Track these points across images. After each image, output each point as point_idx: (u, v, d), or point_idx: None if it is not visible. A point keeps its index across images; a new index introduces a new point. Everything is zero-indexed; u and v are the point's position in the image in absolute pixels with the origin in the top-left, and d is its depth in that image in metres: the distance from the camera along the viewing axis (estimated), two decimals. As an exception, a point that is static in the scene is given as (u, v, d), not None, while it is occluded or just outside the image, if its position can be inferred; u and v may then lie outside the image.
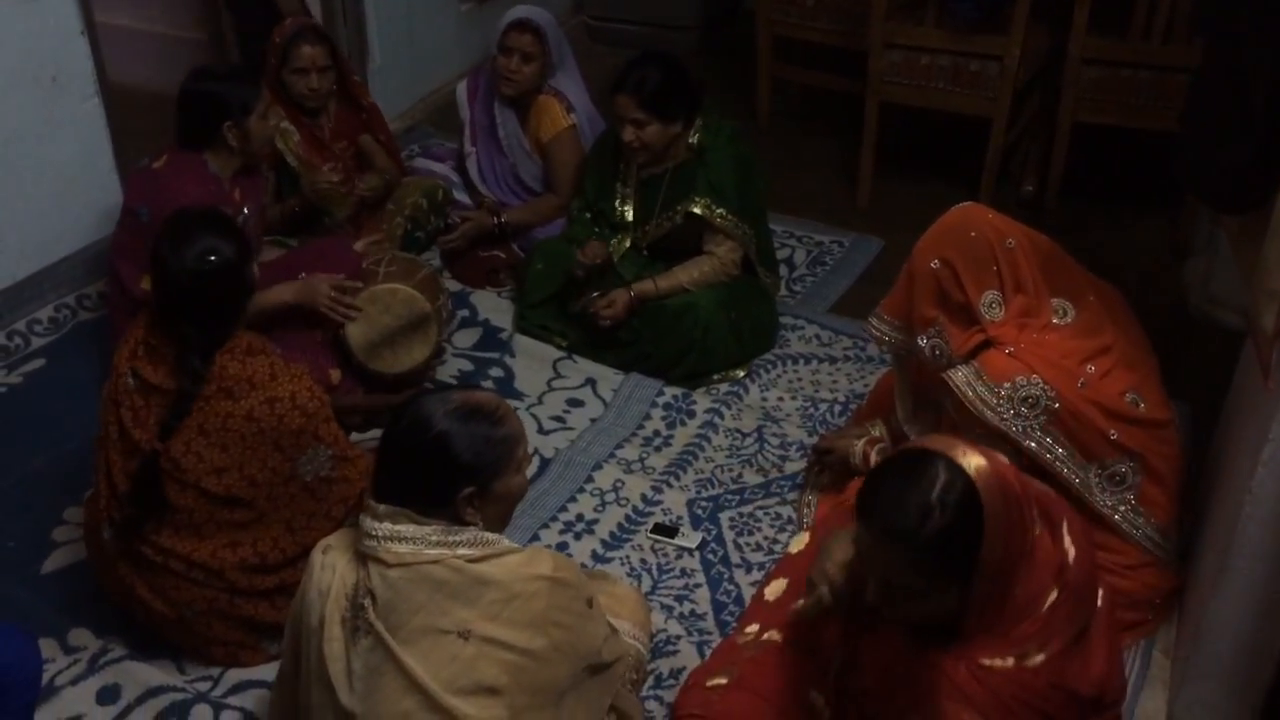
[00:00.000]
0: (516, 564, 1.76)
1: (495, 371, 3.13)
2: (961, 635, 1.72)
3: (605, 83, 3.13)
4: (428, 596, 1.71)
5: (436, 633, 1.71)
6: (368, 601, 1.73)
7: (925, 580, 1.66)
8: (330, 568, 1.78)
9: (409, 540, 1.73)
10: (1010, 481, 1.67)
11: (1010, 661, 1.69)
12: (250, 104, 2.79)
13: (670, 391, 3.06)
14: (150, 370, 2.15)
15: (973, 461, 1.65)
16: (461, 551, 1.73)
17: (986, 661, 1.69)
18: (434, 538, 1.73)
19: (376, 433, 2.79)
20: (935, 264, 2.28)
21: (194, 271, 2.11)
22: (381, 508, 1.74)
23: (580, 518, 2.68)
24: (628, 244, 3.20)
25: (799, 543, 2.35)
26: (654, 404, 3.03)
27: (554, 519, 2.67)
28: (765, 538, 2.62)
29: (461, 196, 3.61)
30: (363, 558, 1.76)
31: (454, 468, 1.75)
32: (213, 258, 2.11)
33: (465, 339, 3.24)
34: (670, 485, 2.77)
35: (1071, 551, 1.74)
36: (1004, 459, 1.73)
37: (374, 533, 1.74)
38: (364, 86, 3.49)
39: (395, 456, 1.78)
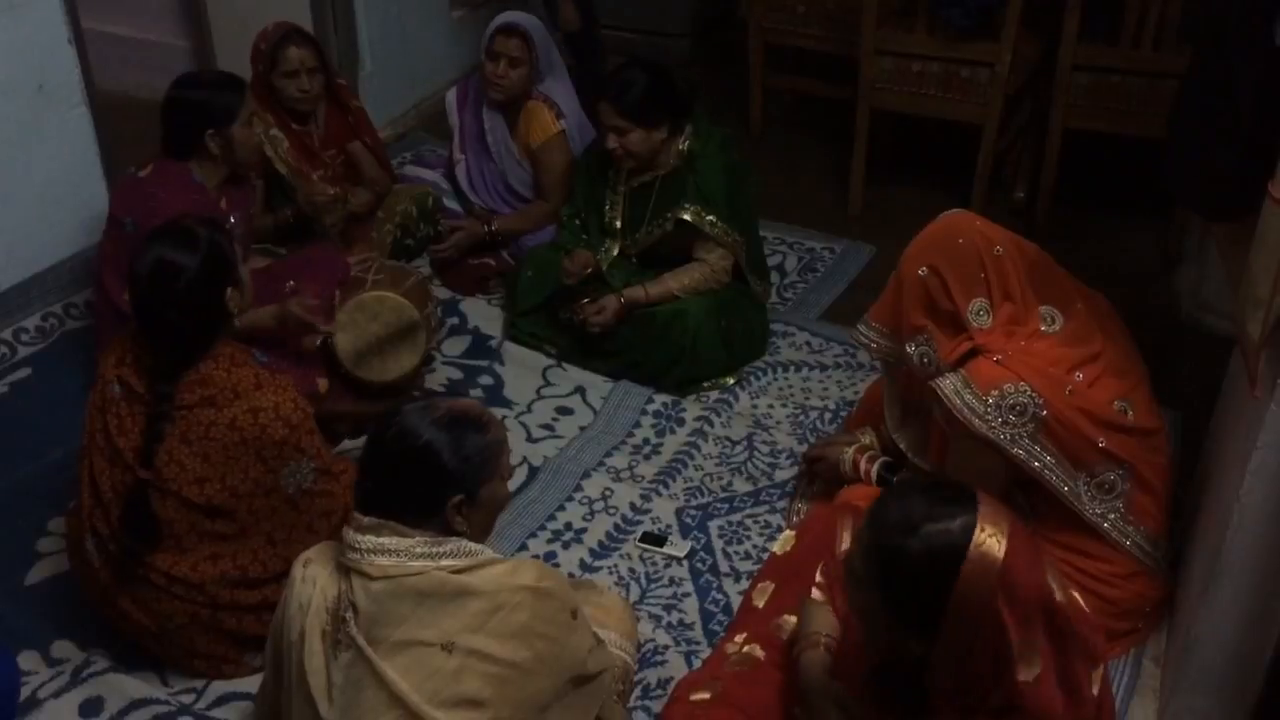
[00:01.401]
0: (500, 574, 1.74)
1: (484, 379, 3.12)
2: (928, 709, 1.66)
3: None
4: (411, 609, 1.70)
5: (419, 645, 1.69)
6: (350, 615, 1.71)
7: (870, 578, 1.63)
8: (310, 581, 1.77)
9: (393, 553, 1.71)
10: (1008, 595, 1.55)
11: None
12: (233, 112, 2.77)
13: (660, 399, 3.05)
14: (135, 380, 2.14)
15: (988, 543, 1.54)
16: (445, 562, 1.72)
17: None
18: (418, 550, 1.72)
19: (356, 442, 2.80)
20: (923, 271, 2.27)
21: (148, 291, 2.08)
22: (366, 520, 1.73)
23: (569, 526, 2.67)
24: (616, 251, 3.19)
25: (783, 543, 2.34)
26: (643, 412, 3.01)
27: (542, 528, 2.66)
28: (754, 546, 2.60)
29: (451, 204, 3.60)
30: (345, 570, 1.74)
31: (443, 475, 1.74)
32: (168, 280, 2.08)
33: (454, 347, 3.23)
34: (659, 494, 2.76)
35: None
36: (1045, 577, 1.61)
37: (357, 545, 1.72)
38: (349, 89, 3.48)
39: (382, 467, 1.77)
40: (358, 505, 1.76)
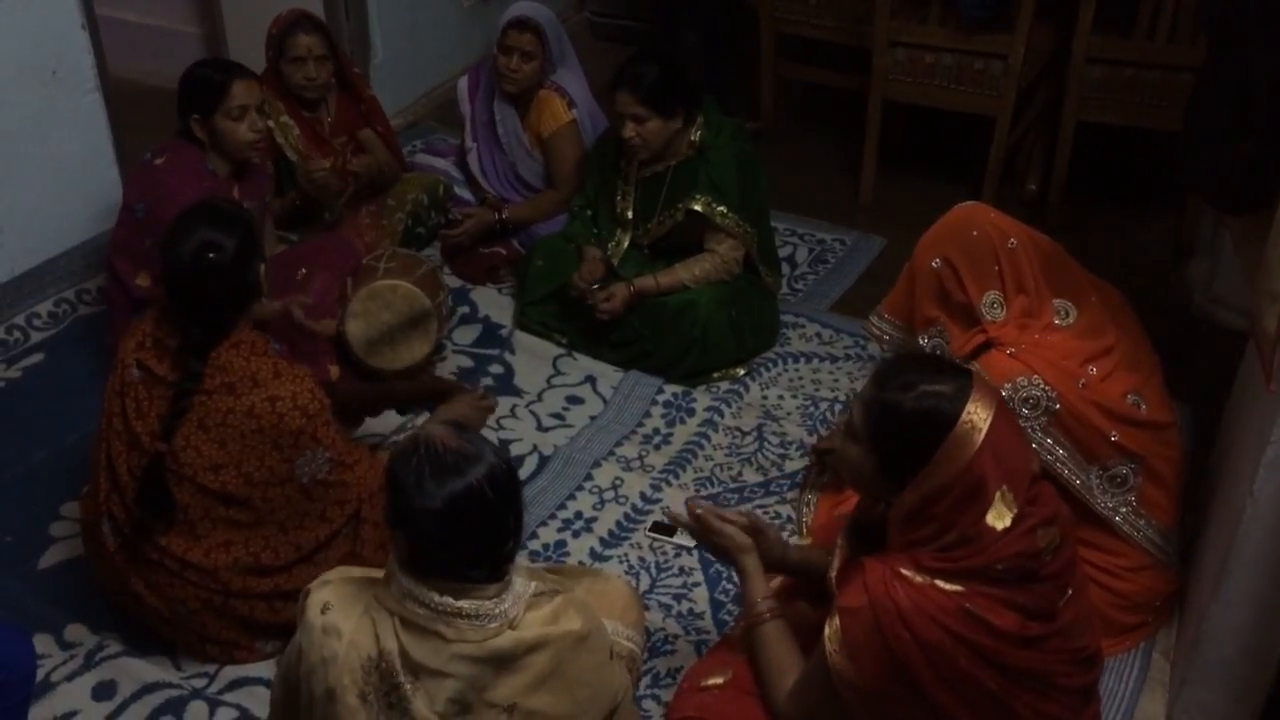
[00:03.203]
0: (550, 620, 1.68)
1: (495, 368, 3.13)
2: (889, 545, 1.78)
3: (607, 79, 3.12)
4: (481, 669, 1.64)
5: (485, 707, 1.64)
6: (404, 680, 1.62)
7: (864, 428, 1.77)
8: (334, 633, 1.65)
9: (472, 616, 1.63)
10: (990, 468, 1.69)
11: (921, 579, 1.71)
12: (216, 101, 2.74)
13: (670, 389, 3.05)
14: (155, 363, 2.15)
15: (976, 419, 1.69)
16: (512, 614, 1.64)
17: (905, 571, 1.71)
18: (496, 610, 1.64)
19: (376, 427, 2.80)
20: (937, 263, 2.27)
21: (190, 267, 2.09)
22: (448, 583, 1.63)
23: (579, 515, 2.67)
24: (627, 242, 3.19)
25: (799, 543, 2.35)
26: (654, 402, 3.02)
27: (553, 516, 2.66)
28: (764, 537, 2.61)
29: (463, 192, 3.60)
30: (393, 621, 1.64)
31: (520, 489, 1.70)
32: (210, 254, 2.09)
33: (465, 336, 3.24)
34: (669, 483, 2.76)
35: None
36: (1027, 455, 1.76)
37: (434, 605, 1.62)
38: (364, 78, 3.48)
39: (486, 527, 1.63)
40: (446, 574, 1.63)
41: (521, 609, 1.66)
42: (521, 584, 1.68)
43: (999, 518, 1.69)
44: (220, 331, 2.14)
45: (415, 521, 1.61)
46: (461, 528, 1.60)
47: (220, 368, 2.13)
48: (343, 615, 1.66)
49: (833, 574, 1.89)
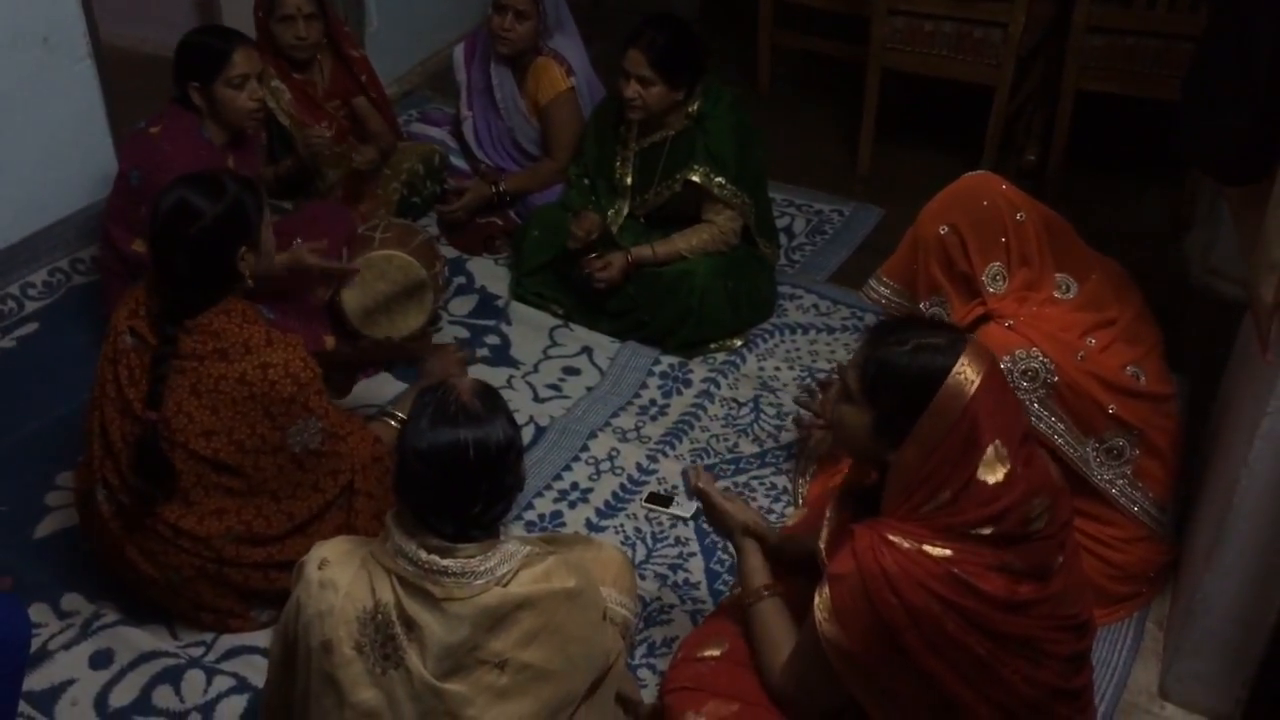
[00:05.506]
0: (539, 578, 1.69)
1: (491, 339, 3.12)
2: (883, 511, 1.78)
3: (604, 48, 3.09)
4: (472, 628, 1.65)
5: (477, 664, 1.66)
6: (401, 631, 1.65)
7: (858, 387, 1.77)
8: (330, 586, 1.68)
9: (456, 575, 1.65)
10: (984, 418, 1.68)
11: (909, 545, 1.70)
12: (216, 68, 2.71)
13: (667, 360, 3.05)
14: (148, 330, 2.14)
15: (969, 372, 1.69)
16: (500, 572, 1.67)
17: (892, 537, 1.71)
18: (481, 568, 1.66)
19: (371, 398, 2.80)
20: (944, 230, 2.26)
21: (165, 227, 2.09)
22: (434, 540, 1.65)
23: (575, 486, 2.67)
24: (626, 210, 3.18)
25: (793, 519, 2.35)
26: (650, 373, 3.01)
27: (548, 487, 2.67)
28: (760, 508, 2.61)
29: (458, 162, 3.58)
30: (388, 577, 1.66)
31: (520, 450, 1.71)
32: (186, 220, 2.08)
33: (461, 306, 3.23)
34: (665, 454, 2.76)
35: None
36: (1019, 414, 1.76)
37: (421, 563, 1.64)
38: (352, 37, 3.44)
39: (480, 488, 1.66)
40: (413, 519, 1.66)
41: (515, 567, 1.68)
42: (515, 546, 1.71)
43: (991, 471, 1.69)
44: (201, 298, 2.12)
45: (402, 453, 1.67)
46: (433, 475, 1.64)
47: (214, 334, 2.12)
48: (340, 569, 1.69)
49: (823, 544, 1.89)
